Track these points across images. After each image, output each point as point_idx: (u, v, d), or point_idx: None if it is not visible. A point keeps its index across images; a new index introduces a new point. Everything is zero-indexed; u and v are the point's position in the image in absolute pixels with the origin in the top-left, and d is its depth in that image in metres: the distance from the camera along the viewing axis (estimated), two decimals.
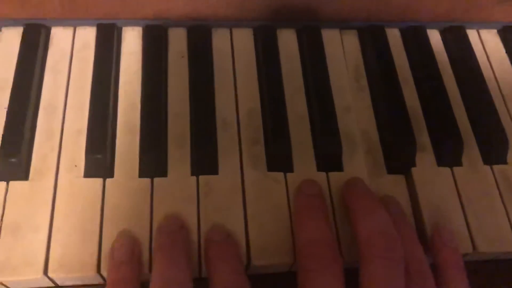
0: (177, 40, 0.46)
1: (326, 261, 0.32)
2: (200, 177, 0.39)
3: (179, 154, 0.40)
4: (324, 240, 0.34)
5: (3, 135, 0.38)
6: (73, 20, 0.45)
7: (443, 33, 0.50)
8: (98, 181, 0.38)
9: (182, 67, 0.44)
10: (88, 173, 0.38)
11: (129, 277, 0.34)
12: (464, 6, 0.48)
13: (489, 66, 0.48)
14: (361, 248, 0.33)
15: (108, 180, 0.38)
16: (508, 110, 0.46)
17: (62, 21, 0.45)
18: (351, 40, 0.48)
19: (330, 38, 0.48)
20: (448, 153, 0.42)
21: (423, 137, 0.43)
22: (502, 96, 0.47)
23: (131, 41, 0.45)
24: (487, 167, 0.42)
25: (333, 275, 0.32)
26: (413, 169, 0.41)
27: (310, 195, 0.37)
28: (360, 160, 0.41)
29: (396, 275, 0.32)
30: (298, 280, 0.33)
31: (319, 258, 0.33)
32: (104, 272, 0.35)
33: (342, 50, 0.47)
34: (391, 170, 0.42)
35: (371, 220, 0.34)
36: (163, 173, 0.39)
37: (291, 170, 0.40)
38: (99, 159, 0.38)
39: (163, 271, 0.32)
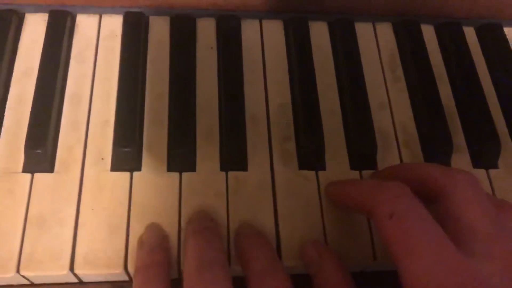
0: (206, 31, 0.44)
1: None
2: (229, 173, 0.38)
3: (208, 148, 0.39)
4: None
5: (28, 126, 0.37)
6: (98, 8, 0.44)
7: (479, 31, 0.48)
8: (126, 175, 0.37)
9: (211, 59, 0.43)
10: (115, 167, 0.37)
11: (157, 262, 0.32)
12: (502, 2, 0.47)
13: None
14: (439, 183, 0.31)
15: (135, 174, 0.37)
16: None
17: (88, 8, 0.44)
18: (386, 32, 0.47)
19: (363, 31, 0.46)
20: (485, 155, 0.40)
21: (458, 138, 0.42)
22: None
23: (159, 31, 0.44)
24: None
25: None
26: None
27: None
28: (395, 158, 0.40)
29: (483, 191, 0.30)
30: None
31: None
32: (131, 269, 0.34)
33: (376, 44, 0.46)
34: None
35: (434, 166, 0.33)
36: (192, 168, 0.38)
37: (324, 168, 0.39)
38: (127, 152, 0.37)
39: (199, 252, 0.31)
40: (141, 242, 0.34)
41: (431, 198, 0.31)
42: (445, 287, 0.25)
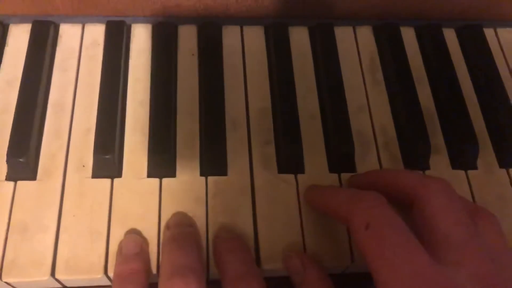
0: (188, 38, 0.45)
1: None
2: (209, 178, 0.38)
3: (188, 154, 0.39)
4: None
5: (11, 135, 0.38)
6: (81, 17, 0.45)
7: (459, 32, 0.48)
8: (106, 181, 0.37)
9: (192, 65, 0.44)
10: (96, 174, 0.38)
11: (136, 269, 0.33)
12: (482, 3, 0.47)
13: (506, 66, 0.47)
14: (414, 192, 0.31)
15: (116, 180, 0.38)
16: None
17: (71, 18, 0.45)
18: (366, 34, 0.47)
19: (344, 35, 0.47)
20: (463, 157, 0.41)
21: (437, 139, 0.42)
22: None
23: (141, 39, 0.44)
24: (503, 171, 0.41)
25: None
26: (427, 172, 0.40)
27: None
28: (374, 161, 0.41)
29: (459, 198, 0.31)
30: None
31: None
32: (111, 274, 0.35)
33: (356, 48, 0.46)
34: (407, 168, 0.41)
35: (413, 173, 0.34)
36: (172, 174, 0.38)
37: (303, 171, 0.40)
38: (108, 159, 0.37)
39: (174, 259, 0.32)
40: (119, 250, 0.35)
41: (407, 206, 0.32)
42: None
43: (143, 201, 0.37)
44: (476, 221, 0.30)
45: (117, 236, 0.36)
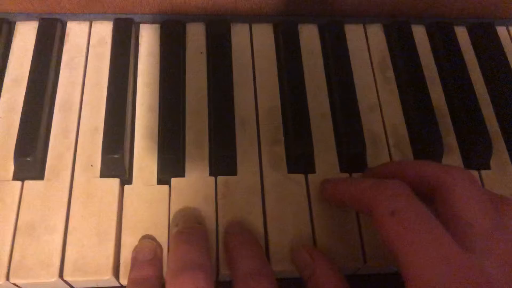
0: (196, 35, 0.44)
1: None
2: (218, 177, 0.38)
3: (197, 153, 0.39)
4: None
5: (18, 134, 0.37)
6: (89, 15, 0.44)
7: (471, 30, 0.48)
8: (115, 181, 0.37)
9: (200, 63, 0.43)
10: (105, 173, 0.37)
11: (150, 276, 0.33)
12: (494, 1, 0.46)
13: None
14: (438, 180, 0.31)
15: (126, 187, 0.37)
16: None
17: (78, 16, 0.44)
18: (376, 33, 0.47)
19: (354, 33, 0.46)
20: (477, 156, 0.40)
21: (450, 139, 0.41)
22: None
23: (149, 36, 0.44)
24: None
25: None
26: None
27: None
28: (385, 160, 0.40)
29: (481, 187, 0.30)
30: None
31: None
32: (121, 275, 0.34)
33: (366, 46, 0.46)
34: None
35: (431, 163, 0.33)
36: (181, 173, 0.38)
37: (313, 171, 0.39)
38: (116, 159, 0.37)
39: (182, 254, 0.31)
40: (133, 256, 0.34)
41: (427, 197, 0.31)
42: (448, 282, 0.25)
43: (153, 208, 0.37)
44: (500, 210, 0.30)
45: (128, 243, 0.35)
